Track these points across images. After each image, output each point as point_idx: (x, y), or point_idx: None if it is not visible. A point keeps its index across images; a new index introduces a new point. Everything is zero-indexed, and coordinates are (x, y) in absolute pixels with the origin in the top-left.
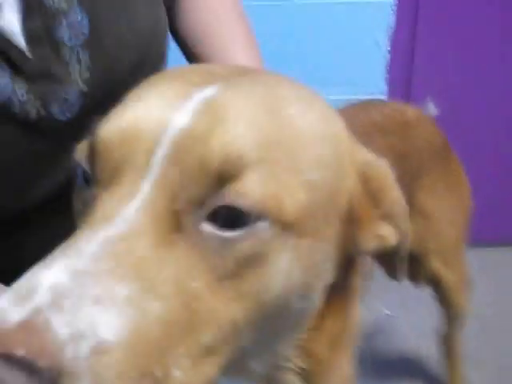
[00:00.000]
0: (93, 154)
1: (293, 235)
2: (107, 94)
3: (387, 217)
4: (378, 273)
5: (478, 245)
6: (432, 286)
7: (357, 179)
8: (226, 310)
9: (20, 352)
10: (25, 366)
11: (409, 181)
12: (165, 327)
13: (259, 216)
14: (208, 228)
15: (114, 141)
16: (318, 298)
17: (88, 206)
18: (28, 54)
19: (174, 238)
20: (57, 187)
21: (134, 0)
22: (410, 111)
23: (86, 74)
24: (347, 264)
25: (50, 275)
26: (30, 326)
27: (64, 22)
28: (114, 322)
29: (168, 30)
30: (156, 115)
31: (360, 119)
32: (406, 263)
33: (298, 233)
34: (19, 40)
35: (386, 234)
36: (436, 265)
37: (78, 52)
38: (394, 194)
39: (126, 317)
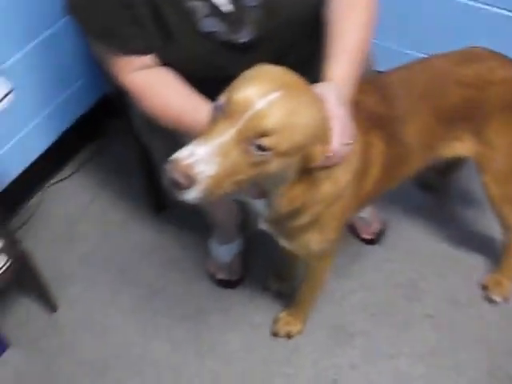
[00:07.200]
0: (228, 101)
1: (281, 156)
2: (268, 33)
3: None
4: None
5: None
6: None
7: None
8: (250, 172)
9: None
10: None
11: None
12: (227, 173)
13: (270, 150)
14: (255, 150)
15: (235, 100)
16: (290, 176)
17: (216, 119)
18: (229, 10)
19: (243, 148)
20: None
21: None
22: None
23: (255, 21)
24: (306, 167)
25: (198, 150)
26: (189, 165)
27: None
28: (211, 170)
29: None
30: (251, 98)
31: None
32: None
33: (282, 156)
34: (227, 7)
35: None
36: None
37: (252, 10)
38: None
39: (216, 166)
